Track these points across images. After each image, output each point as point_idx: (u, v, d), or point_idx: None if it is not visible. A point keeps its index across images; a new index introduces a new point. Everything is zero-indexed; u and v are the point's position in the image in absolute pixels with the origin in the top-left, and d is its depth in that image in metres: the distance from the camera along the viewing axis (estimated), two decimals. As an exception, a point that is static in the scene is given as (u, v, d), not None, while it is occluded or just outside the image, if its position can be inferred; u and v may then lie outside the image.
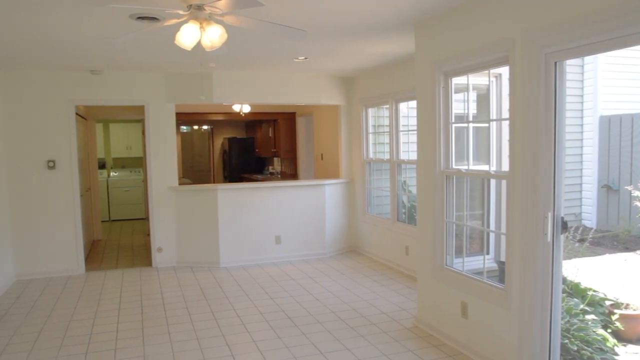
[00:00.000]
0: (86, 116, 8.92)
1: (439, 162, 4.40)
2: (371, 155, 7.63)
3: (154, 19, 4.10)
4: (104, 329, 4.88)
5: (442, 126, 4.36)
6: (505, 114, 4.15)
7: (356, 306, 5.36)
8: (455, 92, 4.37)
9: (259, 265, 7.24)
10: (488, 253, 4.65)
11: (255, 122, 13.01)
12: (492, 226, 4.67)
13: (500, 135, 4.46)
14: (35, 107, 6.73)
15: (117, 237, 9.94)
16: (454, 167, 4.37)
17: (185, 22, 3.38)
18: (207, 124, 13.98)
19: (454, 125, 4.36)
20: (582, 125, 7.91)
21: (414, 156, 6.53)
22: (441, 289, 4.45)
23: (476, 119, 4.72)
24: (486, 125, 4.57)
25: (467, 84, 4.24)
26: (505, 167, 3.92)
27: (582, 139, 7.91)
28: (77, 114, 7.21)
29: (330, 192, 7.82)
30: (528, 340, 3.43)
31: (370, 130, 7.65)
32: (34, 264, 6.81)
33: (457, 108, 4.42)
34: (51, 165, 6.80)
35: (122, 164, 12.80)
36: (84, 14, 3.96)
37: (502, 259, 4.47)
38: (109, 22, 4.23)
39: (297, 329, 4.75)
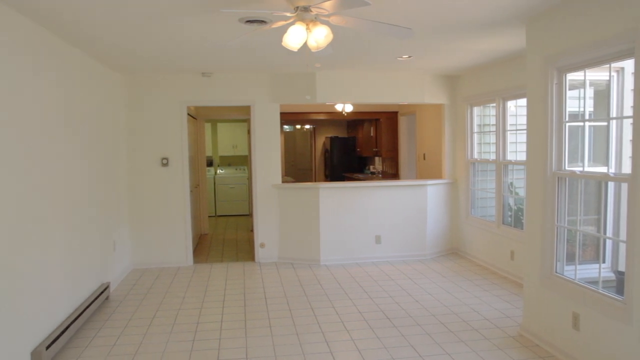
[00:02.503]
0: (196, 116, 9.42)
1: (551, 163, 4.16)
2: (476, 155, 7.38)
3: (262, 22, 4.23)
4: (210, 319, 5.12)
5: (555, 125, 4.12)
6: (628, 111, 3.84)
7: (457, 310, 5.21)
8: (570, 89, 4.11)
9: (359, 265, 7.26)
10: (604, 261, 4.32)
11: (357, 121, 13.05)
12: (609, 232, 4.34)
13: (621, 135, 4.13)
14: (153, 108, 7.22)
15: (222, 232, 10.39)
16: (567, 168, 4.11)
17: (292, 23, 3.45)
18: (310, 124, 14.23)
19: (567, 124, 4.10)
20: None
21: (522, 157, 6.23)
22: (550, 297, 4.20)
23: (593, 117, 4.41)
24: (605, 124, 4.25)
25: (584, 79, 3.96)
26: (627, 168, 3.62)
27: None
28: (188, 114, 7.62)
29: (432, 192, 7.66)
30: (650, 358, 3.15)
31: (475, 129, 7.40)
32: (148, 255, 7.31)
33: (570, 106, 4.16)
34: (165, 162, 7.26)
35: (228, 162, 13.37)
36: (198, 20, 4.17)
37: (621, 268, 4.14)
38: (220, 27, 4.43)
39: (396, 329, 4.71)
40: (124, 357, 4.22)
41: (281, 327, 4.85)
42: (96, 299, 5.31)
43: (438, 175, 8.20)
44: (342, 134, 14.33)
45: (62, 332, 4.36)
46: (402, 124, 10.31)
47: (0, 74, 3.59)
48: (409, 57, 6.15)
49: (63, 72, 4.86)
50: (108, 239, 6.18)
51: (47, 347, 4.02)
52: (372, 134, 11.92)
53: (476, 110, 7.36)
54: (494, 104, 6.69)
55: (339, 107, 9.37)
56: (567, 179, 4.12)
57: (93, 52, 5.40)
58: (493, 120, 6.84)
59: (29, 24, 4.07)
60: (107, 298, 5.76)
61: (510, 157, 6.47)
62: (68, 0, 3.61)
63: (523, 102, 6.07)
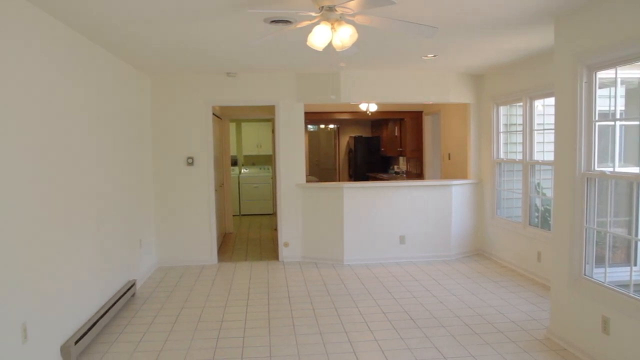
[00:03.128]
0: (221, 116, 9.49)
1: (580, 164, 4.08)
2: (502, 155, 7.28)
3: (287, 22, 4.24)
4: (234, 317, 5.15)
5: (584, 124, 4.04)
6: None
7: (482, 312, 5.15)
8: (599, 87, 4.02)
9: (382, 265, 7.22)
10: (635, 264, 4.22)
11: (381, 120, 13.01)
12: (641, 235, 4.23)
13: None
14: (178, 108, 7.30)
15: (246, 231, 10.46)
16: (596, 169, 4.03)
17: (317, 23, 3.45)
18: (334, 123, 14.22)
19: (597, 123, 4.02)
20: None
21: (549, 157, 6.13)
22: (578, 300, 4.13)
23: (625, 117, 4.31)
24: (637, 123, 4.15)
25: (615, 77, 3.88)
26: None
27: None
28: (213, 114, 7.68)
29: (457, 193, 7.59)
30: (683, 364, 3.06)
31: (502, 129, 7.30)
32: (174, 253, 7.39)
33: (600, 105, 4.07)
34: (190, 162, 7.33)
35: (252, 161, 13.44)
36: (223, 20, 4.20)
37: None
38: (245, 27, 4.45)
39: (420, 330, 4.67)
40: (150, 354, 4.27)
41: (304, 326, 4.85)
42: (123, 295, 5.39)
43: (463, 176, 8.11)
44: (366, 133, 14.29)
45: (90, 328, 4.43)
46: (427, 123, 10.23)
47: (36, 76, 3.67)
48: (434, 56, 6.10)
49: (93, 73, 4.94)
50: (135, 237, 6.27)
51: (76, 342, 4.10)
52: (396, 134, 11.86)
53: (502, 109, 7.26)
54: (521, 103, 6.59)
55: (363, 107, 9.34)
56: (596, 179, 4.04)
57: (120, 52, 5.48)
58: (520, 120, 6.74)
59: (60, 25, 4.15)
60: (133, 295, 5.84)
61: (537, 157, 6.37)
62: (96, 0, 3.67)
63: (551, 101, 5.96)
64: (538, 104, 6.38)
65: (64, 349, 3.98)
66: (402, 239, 7.44)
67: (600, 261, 4.12)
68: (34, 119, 3.68)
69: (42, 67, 3.84)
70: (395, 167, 12.61)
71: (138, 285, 6.24)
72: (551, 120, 5.86)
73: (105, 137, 5.27)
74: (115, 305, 5.13)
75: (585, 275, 4.13)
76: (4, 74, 3.28)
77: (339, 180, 14.08)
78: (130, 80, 6.29)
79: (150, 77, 7.16)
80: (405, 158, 11.91)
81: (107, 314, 4.88)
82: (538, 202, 6.51)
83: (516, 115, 7.02)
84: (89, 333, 4.38)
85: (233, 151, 12.80)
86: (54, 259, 3.96)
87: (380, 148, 13.49)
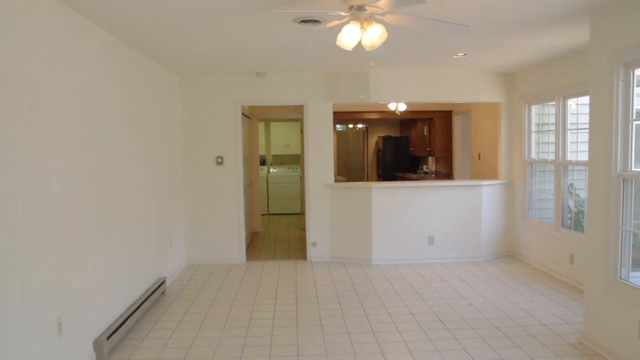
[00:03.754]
0: (250, 115, 9.56)
1: (615, 164, 3.98)
2: (533, 155, 7.15)
3: (316, 21, 4.23)
4: (262, 315, 5.18)
5: (621, 123, 3.94)
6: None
7: (513, 314, 5.07)
8: (638, 86, 3.91)
9: (411, 265, 7.17)
10: (673, 268, 4.10)
11: (410, 120, 12.92)
12: (679, 238, 4.11)
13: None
14: (208, 108, 7.38)
15: (274, 230, 10.50)
16: (633, 169, 3.92)
17: (347, 23, 3.44)
18: (362, 123, 14.18)
19: (635, 122, 3.91)
20: None
21: (583, 157, 6.00)
22: (613, 304, 4.02)
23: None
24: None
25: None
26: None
27: None
28: (242, 113, 7.74)
29: (487, 193, 7.48)
30: None
31: (534, 129, 7.16)
32: (203, 251, 7.47)
33: (638, 103, 3.96)
34: (219, 161, 7.40)
35: (280, 161, 13.49)
36: (253, 20, 4.22)
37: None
38: (274, 26, 4.46)
39: (449, 332, 4.62)
40: (179, 350, 4.32)
41: (332, 325, 4.85)
42: (153, 293, 5.47)
43: (493, 176, 7.99)
44: (395, 133, 14.21)
45: (122, 324, 4.51)
46: (457, 123, 10.12)
47: (79, 78, 3.75)
48: (465, 55, 6.02)
49: (127, 74, 5.03)
50: (165, 235, 6.36)
51: (108, 337, 4.17)
52: (425, 134, 11.76)
53: (534, 108, 7.12)
54: (554, 102, 6.46)
55: (392, 106, 9.29)
56: (633, 180, 3.93)
57: (151, 53, 5.56)
58: (552, 119, 6.61)
59: (96, 29, 4.23)
60: (163, 292, 5.92)
61: (570, 157, 6.23)
62: (127, 2, 3.73)
63: (585, 100, 5.83)
64: (571, 102, 6.24)
65: (97, 344, 4.06)
66: (430, 240, 7.38)
67: (637, 265, 4.01)
68: (73, 119, 3.76)
69: (78, 67, 3.92)
70: (424, 167, 12.51)
71: (168, 283, 6.32)
72: (585, 119, 5.74)
73: (137, 137, 5.36)
74: (146, 302, 5.21)
75: (621, 279, 4.03)
76: (58, 78, 3.36)
77: (368, 180, 14.02)
78: (161, 81, 6.39)
79: (180, 77, 7.26)
80: (434, 158, 11.80)
81: (138, 310, 4.96)
82: (571, 203, 6.38)
83: (548, 114, 6.89)
84: (120, 329, 4.46)
85: (262, 151, 12.87)
86: (87, 257, 4.04)
87: (409, 148, 13.39)
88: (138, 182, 5.34)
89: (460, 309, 5.28)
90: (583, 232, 5.75)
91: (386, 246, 7.32)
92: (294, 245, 8.78)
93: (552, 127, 6.61)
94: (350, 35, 3.40)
